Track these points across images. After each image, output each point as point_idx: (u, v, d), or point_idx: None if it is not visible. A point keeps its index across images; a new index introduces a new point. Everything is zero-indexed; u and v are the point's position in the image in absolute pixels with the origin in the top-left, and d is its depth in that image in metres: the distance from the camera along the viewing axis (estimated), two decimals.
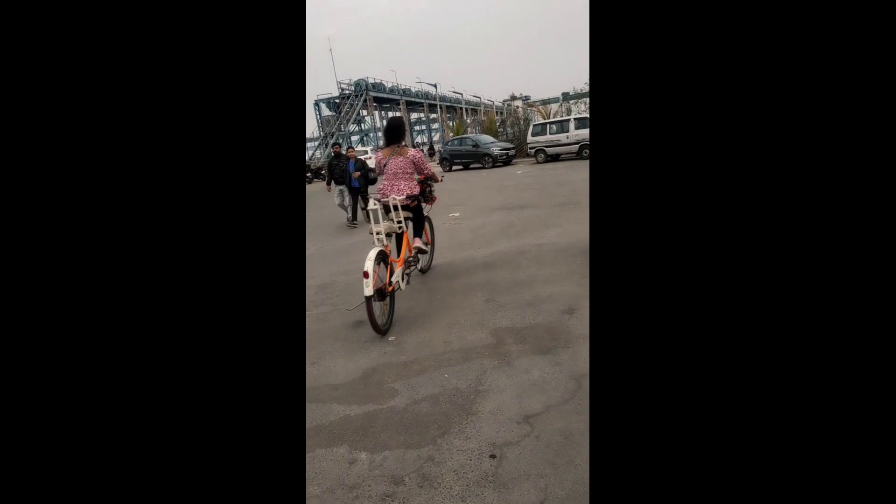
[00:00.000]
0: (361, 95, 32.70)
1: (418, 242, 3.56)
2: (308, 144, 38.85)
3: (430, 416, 2.04)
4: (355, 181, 7.44)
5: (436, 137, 39.31)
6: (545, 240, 4.83)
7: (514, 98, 57.53)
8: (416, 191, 3.50)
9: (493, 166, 15.62)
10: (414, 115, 48.27)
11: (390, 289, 3.04)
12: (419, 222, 3.66)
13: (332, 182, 7.76)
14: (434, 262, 4.49)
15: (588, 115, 14.57)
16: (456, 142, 17.58)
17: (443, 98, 42.54)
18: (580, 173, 10.30)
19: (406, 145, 3.63)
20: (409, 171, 3.49)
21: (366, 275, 2.74)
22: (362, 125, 35.88)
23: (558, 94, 40.21)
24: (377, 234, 3.18)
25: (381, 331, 2.90)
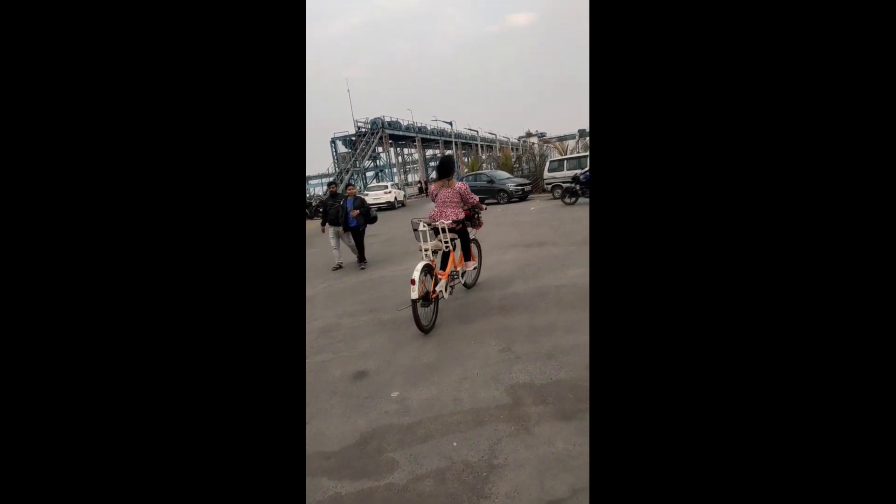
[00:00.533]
0: (377, 133, 33.45)
1: (468, 265, 4.32)
2: (324, 180, 39.63)
3: (434, 498, 1.72)
4: (353, 220, 6.55)
5: (390, 183, 39.76)
6: (565, 280, 4.52)
7: (529, 135, 58.32)
8: (461, 216, 4.13)
9: (509, 202, 15.48)
10: (429, 152, 49.14)
11: (434, 296, 3.65)
12: (465, 243, 4.26)
13: (327, 223, 6.76)
14: (448, 305, 4.21)
15: None
16: (471, 177, 17.58)
17: (458, 135, 43.31)
18: None
19: (454, 179, 4.23)
20: (456, 200, 4.14)
21: (413, 282, 3.34)
22: (378, 161, 36.52)
23: (574, 130, 40.68)
24: (425, 250, 3.85)
25: (425, 330, 3.46)
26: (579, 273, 4.74)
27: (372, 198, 19.98)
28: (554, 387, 2.43)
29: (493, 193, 15.94)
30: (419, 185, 24.77)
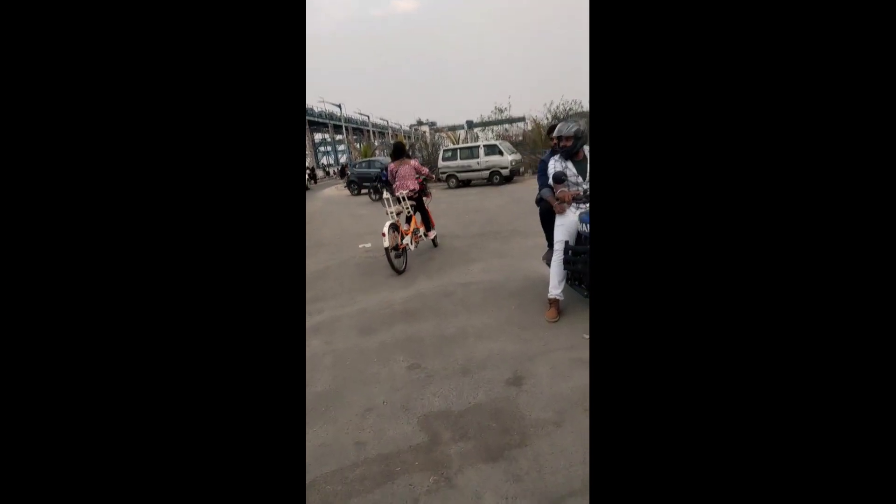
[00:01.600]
0: None
1: (430, 234, 5.58)
2: None
3: None
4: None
5: (343, 159, 38.03)
6: (470, 277, 4.27)
7: (420, 123, 58.39)
8: (417, 187, 5.19)
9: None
10: (318, 136, 46.56)
11: (402, 247, 4.77)
12: (421, 208, 5.44)
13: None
14: (343, 312, 3.69)
15: (495, 143, 14.72)
16: (364, 164, 16.77)
17: (348, 119, 41.53)
18: (494, 200, 10.10)
19: (406, 158, 5.33)
20: (412, 173, 5.18)
21: (383, 235, 4.45)
22: None
23: (462, 121, 41.49)
24: (390, 213, 4.89)
25: (399, 271, 4.62)
26: (483, 268, 4.54)
27: None
28: (473, 413, 2.10)
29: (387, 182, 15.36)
30: (308, 171, 23.21)
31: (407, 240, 4.88)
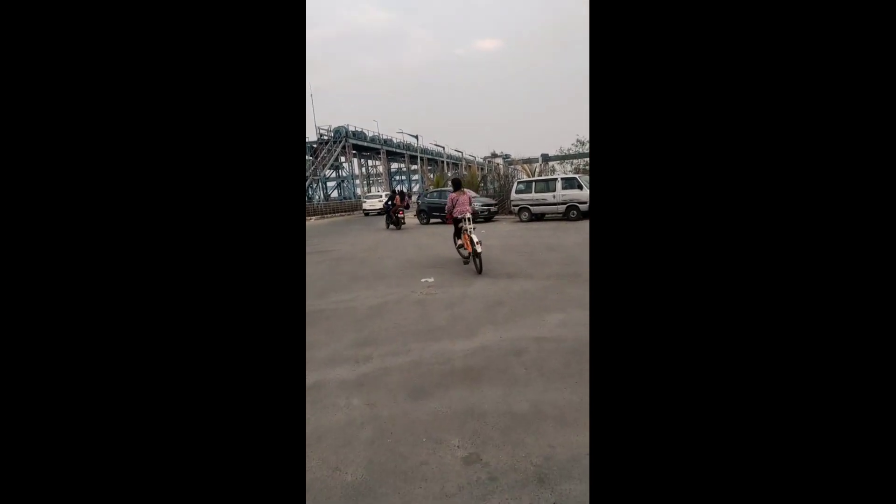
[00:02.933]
0: (340, 142, 32.16)
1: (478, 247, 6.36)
2: None
3: None
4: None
5: (416, 188, 38.81)
6: (546, 331, 3.57)
7: (494, 155, 58.66)
8: (471, 212, 6.76)
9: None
10: (394, 166, 48.24)
11: (472, 253, 6.30)
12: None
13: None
14: (394, 362, 3.15)
15: (574, 177, 13.91)
16: (435, 194, 16.64)
17: (424, 150, 42.64)
18: (572, 236, 9.28)
19: (464, 191, 6.95)
20: (468, 202, 6.79)
21: (466, 246, 6.54)
22: (340, 171, 35.11)
23: (537, 154, 40.93)
24: (469, 231, 6.49)
25: (480, 271, 6.20)
26: (562, 320, 3.81)
27: (368, 204, 24.18)
28: None
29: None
30: (387, 197, 23.84)
31: (477, 248, 6.23)
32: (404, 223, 14.87)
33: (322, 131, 32.30)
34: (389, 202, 15.27)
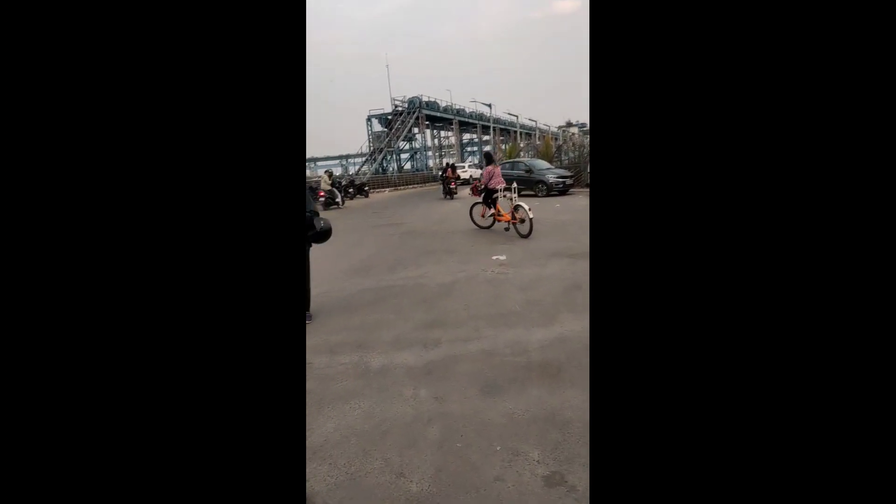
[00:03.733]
0: (414, 113, 32.10)
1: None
2: (357, 160, 38.75)
3: None
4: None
5: (468, 162, 38.02)
6: None
7: (570, 125, 55.72)
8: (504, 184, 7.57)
9: (548, 195, 13.93)
10: (466, 136, 47.54)
11: (514, 221, 7.17)
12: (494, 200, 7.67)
13: None
14: (464, 350, 2.92)
15: None
16: (507, 165, 16.00)
17: (497, 120, 41.43)
18: None
19: (496, 164, 8.07)
20: (500, 174, 7.67)
21: (504, 216, 7.39)
22: (413, 143, 35.23)
23: None
24: (511, 198, 7.38)
25: (527, 235, 6.84)
26: None
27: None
28: None
29: (530, 184, 14.37)
30: (440, 170, 24.12)
31: (528, 213, 6.86)
32: (457, 193, 16.93)
33: (396, 102, 32.43)
34: (443, 174, 17.55)
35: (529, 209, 6.83)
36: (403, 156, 35.17)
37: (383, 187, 26.23)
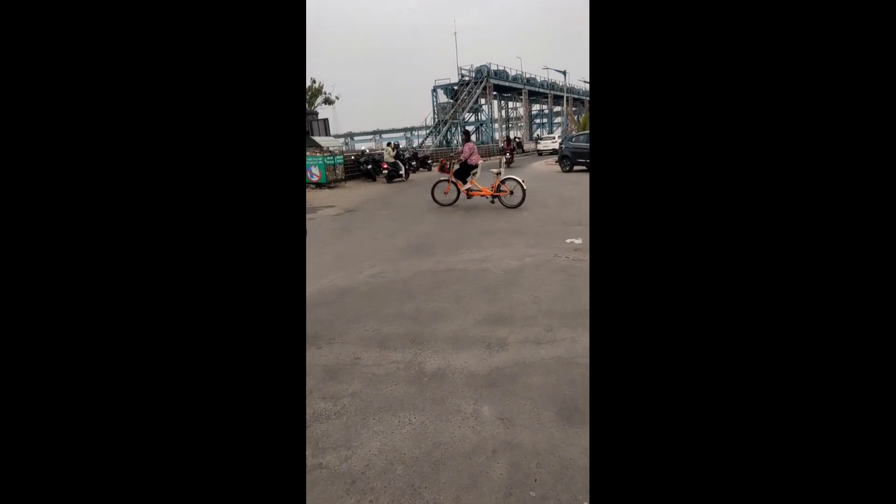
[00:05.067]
0: (481, 83, 30.98)
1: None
2: (421, 132, 38.44)
3: None
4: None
5: (557, 133, 36.23)
6: None
7: None
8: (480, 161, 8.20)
9: None
10: (536, 107, 45.51)
11: (502, 193, 7.75)
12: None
13: None
14: (535, 355, 2.46)
15: None
16: (581, 138, 14.82)
17: (570, 89, 39.05)
18: None
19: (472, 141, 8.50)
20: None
21: (483, 191, 7.85)
22: (479, 114, 34.19)
23: None
24: (497, 173, 7.89)
25: (512, 206, 7.47)
26: None
27: (542, 145, 27.62)
28: None
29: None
30: (511, 142, 23.53)
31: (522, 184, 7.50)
32: (513, 162, 18.39)
33: (463, 72, 31.43)
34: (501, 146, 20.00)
35: (522, 181, 7.55)
36: (469, 128, 34.33)
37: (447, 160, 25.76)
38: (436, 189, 8.43)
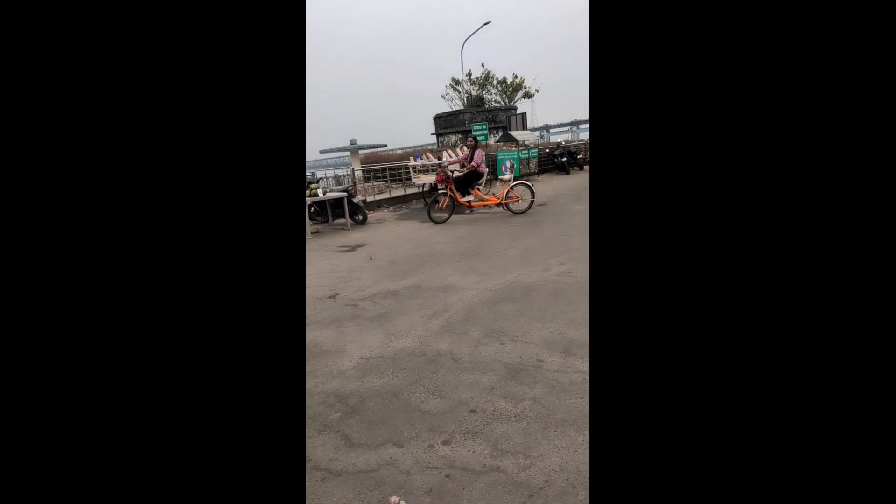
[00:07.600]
0: None
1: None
2: None
3: None
4: None
5: None
6: None
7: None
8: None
9: None
10: None
11: (510, 201, 7.43)
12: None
13: None
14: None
15: None
16: None
17: None
18: None
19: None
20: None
21: (489, 200, 7.48)
22: None
23: None
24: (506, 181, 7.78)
25: (519, 212, 7.29)
26: None
27: None
28: None
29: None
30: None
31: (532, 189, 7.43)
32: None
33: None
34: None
35: (531, 185, 7.59)
36: None
37: None
38: (433, 207, 7.38)
